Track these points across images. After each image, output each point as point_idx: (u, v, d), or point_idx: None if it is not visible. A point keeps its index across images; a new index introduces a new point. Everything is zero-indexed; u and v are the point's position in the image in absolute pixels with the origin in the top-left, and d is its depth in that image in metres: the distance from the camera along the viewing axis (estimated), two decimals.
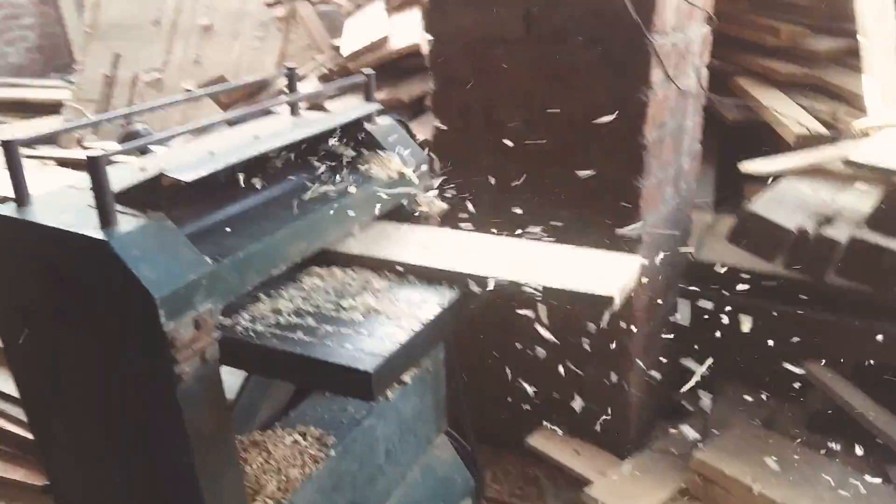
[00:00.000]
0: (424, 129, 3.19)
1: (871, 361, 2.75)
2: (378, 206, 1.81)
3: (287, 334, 1.42)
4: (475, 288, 1.56)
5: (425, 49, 3.91)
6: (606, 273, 1.52)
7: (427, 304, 1.51)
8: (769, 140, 3.50)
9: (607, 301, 1.44)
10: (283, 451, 1.65)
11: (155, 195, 1.43)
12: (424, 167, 1.95)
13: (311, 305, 1.52)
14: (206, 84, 4.64)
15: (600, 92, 2.50)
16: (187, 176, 1.45)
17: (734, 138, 3.59)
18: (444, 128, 2.82)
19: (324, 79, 4.10)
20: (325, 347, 1.38)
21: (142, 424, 1.39)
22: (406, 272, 1.63)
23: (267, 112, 2.07)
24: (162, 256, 1.33)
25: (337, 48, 4.24)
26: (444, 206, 1.94)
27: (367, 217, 1.78)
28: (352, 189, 1.73)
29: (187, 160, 1.60)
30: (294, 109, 2.02)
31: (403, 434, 1.92)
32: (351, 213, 1.72)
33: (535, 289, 1.48)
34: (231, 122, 1.79)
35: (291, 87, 2.06)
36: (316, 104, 3.61)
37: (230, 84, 2.04)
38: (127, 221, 1.34)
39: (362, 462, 1.78)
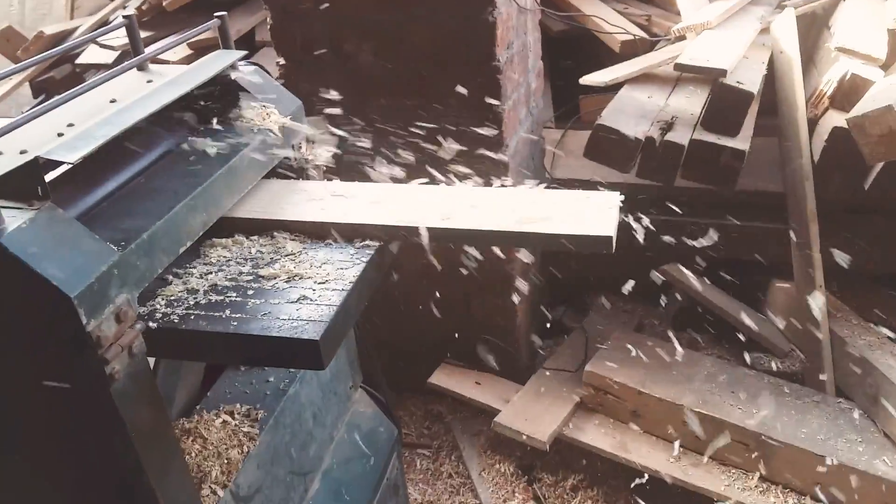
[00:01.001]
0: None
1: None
2: (268, 163, 1.70)
3: (214, 314, 1.33)
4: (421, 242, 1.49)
5: None
6: (591, 213, 1.48)
7: (351, 263, 1.46)
8: (590, 49, 3.63)
9: (607, 241, 1.42)
10: (217, 435, 1.57)
11: (34, 181, 1.27)
12: (301, 114, 1.85)
13: (227, 280, 1.42)
14: None
15: (446, 17, 2.47)
16: (71, 156, 1.29)
17: (559, 50, 3.69)
18: (289, 64, 2.68)
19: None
20: (261, 321, 1.31)
21: (76, 434, 1.27)
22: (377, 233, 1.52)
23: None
24: (63, 250, 1.19)
25: None
26: (329, 154, 1.86)
27: (259, 177, 1.67)
28: (241, 147, 1.61)
29: (49, 136, 1.43)
30: (141, 65, 1.83)
31: (326, 395, 1.87)
32: (242, 174, 1.61)
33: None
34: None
35: (133, 39, 1.86)
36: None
37: (58, 49, 1.80)
38: (13, 216, 1.19)
39: (294, 431, 1.73)
